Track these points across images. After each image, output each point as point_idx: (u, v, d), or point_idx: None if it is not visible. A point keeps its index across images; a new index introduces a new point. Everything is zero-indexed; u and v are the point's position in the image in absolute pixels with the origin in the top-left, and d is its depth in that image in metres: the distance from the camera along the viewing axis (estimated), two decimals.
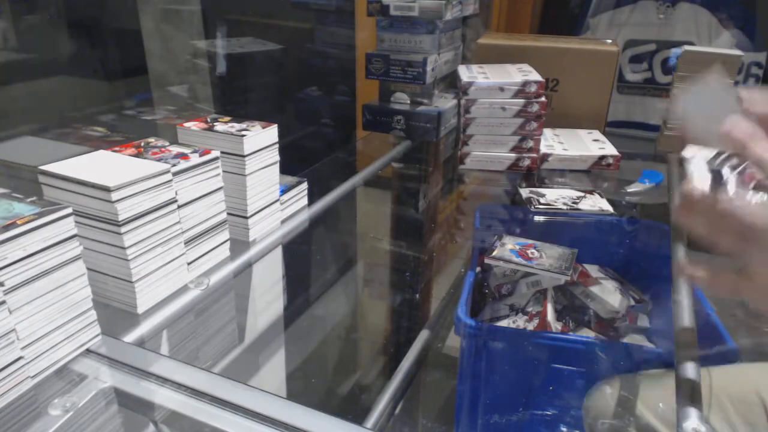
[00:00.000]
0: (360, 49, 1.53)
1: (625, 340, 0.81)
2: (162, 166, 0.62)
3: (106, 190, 0.57)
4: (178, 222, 0.65)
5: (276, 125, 0.79)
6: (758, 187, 0.45)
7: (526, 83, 1.01)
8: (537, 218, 0.90)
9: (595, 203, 0.93)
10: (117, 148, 0.67)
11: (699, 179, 0.47)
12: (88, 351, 0.56)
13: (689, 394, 0.50)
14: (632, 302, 0.83)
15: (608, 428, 0.61)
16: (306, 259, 0.94)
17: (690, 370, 0.53)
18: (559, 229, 0.90)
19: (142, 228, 0.60)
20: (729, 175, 0.46)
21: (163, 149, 0.69)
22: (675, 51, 1.14)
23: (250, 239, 0.79)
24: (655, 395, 0.61)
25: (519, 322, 0.77)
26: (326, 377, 0.95)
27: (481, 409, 0.71)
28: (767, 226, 0.39)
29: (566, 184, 1.03)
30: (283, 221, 0.86)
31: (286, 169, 0.85)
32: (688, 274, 0.47)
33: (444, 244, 1.15)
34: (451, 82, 1.33)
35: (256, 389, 0.52)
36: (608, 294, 0.82)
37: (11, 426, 0.48)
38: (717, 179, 0.47)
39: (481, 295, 0.86)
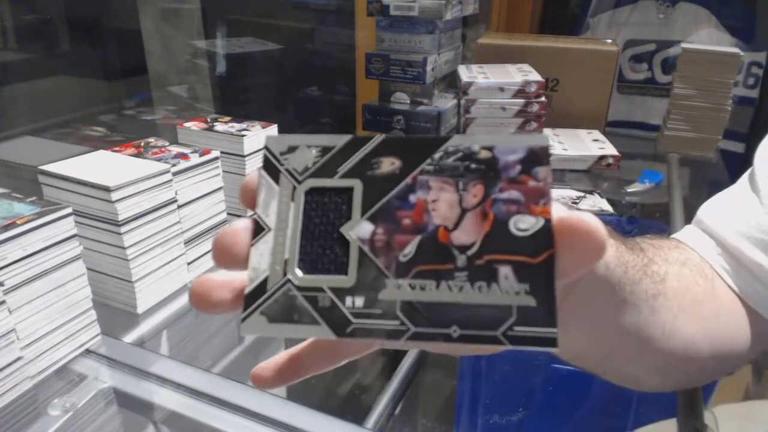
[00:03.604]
0: (360, 48, 1.53)
1: None
2: (162, 166, 0.62)
3: (106, 190, 0.56)
4: (178, 222, 0.65)
5: (276, 125, 0.79)
6: None
7: (526, 83, 1.01)
8: None
9: (595, 203, 0.93)
10: (117, 148, 0.67)
11: None
12: (88, 351, 0.56)
13: (690, 395, 0.50)
14: None
15: None
16: None
17: None
18: None
19: (142, 228, 0.60)
20: None
21: (163, 149, 0.69)
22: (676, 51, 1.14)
23: None
24: None
25: None
26: (326, 377, 0.95)
27: (481, 409, 0.71)
28: None
29: (566, 184, 1.03)
30: None
31: None
32: None
33: None
34: (451, 82, 1.33)
35: (256, 389, 0.52)
36: None
37: (11, 426, 0.48)
38: None
39: None
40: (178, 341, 0.64)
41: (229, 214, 0.75)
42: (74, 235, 0.52)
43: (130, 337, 0.60)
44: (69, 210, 0.52)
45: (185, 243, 0.67)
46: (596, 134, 1.15)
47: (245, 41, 1.56)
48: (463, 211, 0.19)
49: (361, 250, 0.20)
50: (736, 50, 1.12)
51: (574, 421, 0.70)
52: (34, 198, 0.53)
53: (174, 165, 0.64)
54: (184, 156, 0.67)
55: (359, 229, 0.20)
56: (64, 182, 0.59)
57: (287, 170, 0.21)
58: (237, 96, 1.57)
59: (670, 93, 1.18)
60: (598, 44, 1.19)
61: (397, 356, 0.73)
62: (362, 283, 0.19)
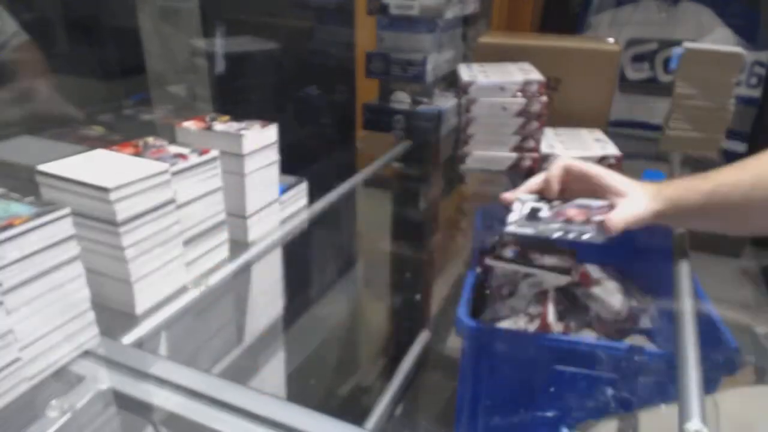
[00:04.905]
0: (360, 47, 1.53)
1: (627, 341, 0.80)
2: (161, 166, 0.61)
3: (105, 190, 0.56)
4: (177, 222, 0.65)
5: (275, 124, 0.79)
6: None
7: (527, 82, 1.00)
8: None
9: None
10: (115, 148, 0.67)
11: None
12: (87, 352, 0.56)
13: (691, 395, 0.50)
14: (634, 303, 0.83)
15: None
16: (305, 260, 0.94)
17: (692, 370, 0.52)
18: None
19: (140, 228, 0.60)
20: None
21: (161, 149, 0.68)
22: (676, 50, 1.14)
23: (249, 239, 0.79)
24: None
25: (520, 323, 0.77)
26: (326, 378, 0.95)
27: (481, 411, 0.71)
28: None
29: None
30: (283, 221, 0.86)
31: (285, 168, 0.85)
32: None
33: (445, 245, 1.15)
34: (451, 81, 1.32)
35: (255, 391, 0.51)
36: (610, 295, 0.82)
37: (8, 428, 0.48)
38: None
39: (482, 296, 0.86)
40: (176, 342, 0.63)
41: (228, 214, 0.75)
42: (72, 236, 0.52)
43: (128, 338, 0.59)
44: (67, 210, 0.51)
45: (184, 243, 0.67)
46: (598, 134, 1.15)
47: (244, 40, 1.56)
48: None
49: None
50: (738, 49, 1.11)
51: (576, 423, 0.69)
52: (32, 198, 0.53)
53: (173, 165, 0.63)
54: (182, 156, 0.67)
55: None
56: (62, 182, 0.59)
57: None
58: (236, 95, 1.56)
59: (672, 92, 1.18)
60: (599, 43, 1.18)
61: (397, 357, 0.73)
62: None
